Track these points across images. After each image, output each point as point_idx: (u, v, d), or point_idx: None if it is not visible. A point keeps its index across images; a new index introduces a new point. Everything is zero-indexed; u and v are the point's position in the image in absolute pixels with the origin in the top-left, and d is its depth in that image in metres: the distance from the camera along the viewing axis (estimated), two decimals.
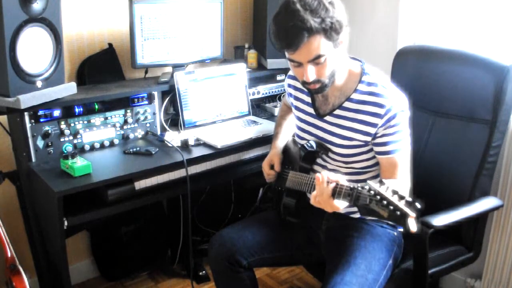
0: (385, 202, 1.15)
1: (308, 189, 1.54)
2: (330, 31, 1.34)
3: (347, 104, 1.53)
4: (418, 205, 1.13)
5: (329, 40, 1.36)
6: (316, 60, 1.38)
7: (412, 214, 1.11)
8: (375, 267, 1.49)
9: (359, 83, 1.51)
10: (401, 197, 1.15)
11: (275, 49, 1.47)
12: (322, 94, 1.56)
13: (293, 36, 1.33)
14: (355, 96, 1.51)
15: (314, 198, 1.34)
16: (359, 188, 1.24)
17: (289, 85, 1.75)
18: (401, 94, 1.49)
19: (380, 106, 1.45)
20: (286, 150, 1.78)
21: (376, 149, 1.51)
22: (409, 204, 1.13)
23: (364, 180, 1.58)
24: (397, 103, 1.46)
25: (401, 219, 1.12)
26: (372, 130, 1.47)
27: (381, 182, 1.19)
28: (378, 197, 1.17)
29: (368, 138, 1.49)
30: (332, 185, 1.30)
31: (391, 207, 1.14)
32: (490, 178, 1.73)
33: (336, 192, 1.29)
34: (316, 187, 1.33)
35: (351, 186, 1.27)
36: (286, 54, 1.42)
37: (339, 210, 1.33)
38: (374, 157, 1.55)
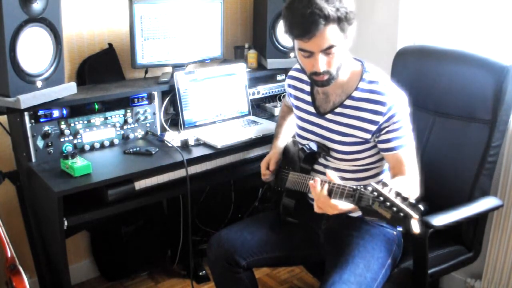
0: (388, 203, 1.14)
1: (308, 189, 1.54)
2: (344, 21, 1.37)
3: (348, 102, 1.53)
4: (421, 207, 1.11)
5: (341, 31, 1.39)
6: (328, 50, 1.40)
7: (415, 216, 1.10)
8: (373, 266, 1.49)
9: (360, 81, 1.52)
10: (404, 199, 1.13)
11: (288, 36, 1.45)
12: (323, 92, 1.57)
13: (310, 24, 1.34)
14: (356, 94, 1.52)
15: (316, 206, 1.34)
16: (362, 189, 1.23)
17: (289, 85, 1.75)
18: (401, 92, 1.51)
19: (382, 104, 1.46)
20: (286, 151, 1.78)
21: (381, 146, 1.51)
22: (412, 206, 1.11)
23: (369, 177, 1.59)
24: (398, 101, 1.47)
25: (404, 220, 1.11)
26: (373, 127, 1.48)
27: (384, 184, 1.18)
28: (381, 198, 1.15)
29: (368, 136, 1.50)
30: (326, 186, 1.30)
31: (394, 209, 1.12)
32: (490, 178, 1.73)
33: (333, 192, 1.29)
34: (312, 193, 1.33)
35: (354, 187, 1.26)
36: (298, 44, 1.43)
37: (342, 212, 1.30)
38: (377, 153, 1.56)
